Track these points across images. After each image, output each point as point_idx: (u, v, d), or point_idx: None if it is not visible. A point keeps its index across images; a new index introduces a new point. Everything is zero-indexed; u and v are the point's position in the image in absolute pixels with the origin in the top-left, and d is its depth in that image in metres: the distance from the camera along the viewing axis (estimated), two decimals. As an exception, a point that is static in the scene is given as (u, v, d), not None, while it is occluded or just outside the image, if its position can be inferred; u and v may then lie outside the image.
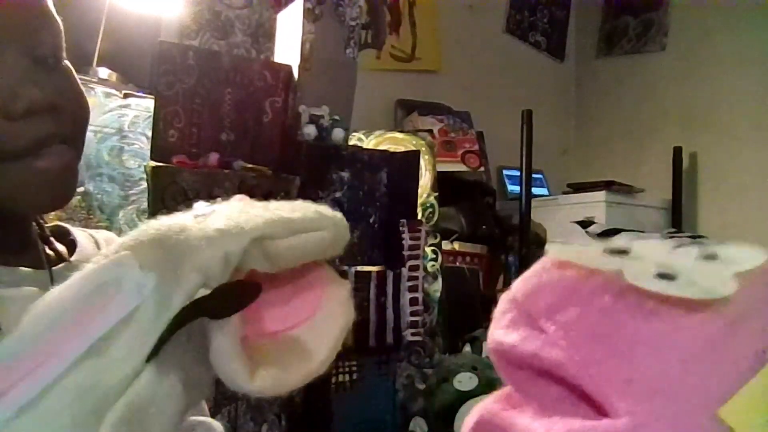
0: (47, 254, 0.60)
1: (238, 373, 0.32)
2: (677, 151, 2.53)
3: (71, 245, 0.63)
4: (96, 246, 0.65)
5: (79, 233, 0.65)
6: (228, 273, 0.34)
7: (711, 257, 0.29)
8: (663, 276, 0.28)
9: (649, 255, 0.30)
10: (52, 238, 0.62)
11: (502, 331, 0.32)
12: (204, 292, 0.33)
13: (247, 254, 0.34)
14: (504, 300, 0.33)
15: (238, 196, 0.42)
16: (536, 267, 0.32)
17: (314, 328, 0.37)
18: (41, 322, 0.32)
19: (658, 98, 2.82)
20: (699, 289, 0.27)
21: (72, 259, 0.61)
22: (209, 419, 0.58)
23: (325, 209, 0.39)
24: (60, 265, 0.59)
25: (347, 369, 1.39)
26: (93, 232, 0.67)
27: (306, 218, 0.37)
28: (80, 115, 0.56)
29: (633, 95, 2.93)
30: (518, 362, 0.32)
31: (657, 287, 0.27)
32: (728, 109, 2.57)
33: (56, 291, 0.33)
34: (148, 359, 0.31)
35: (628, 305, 0.28)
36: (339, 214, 0.39)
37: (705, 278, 0.28)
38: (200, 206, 0.40)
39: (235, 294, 0.34)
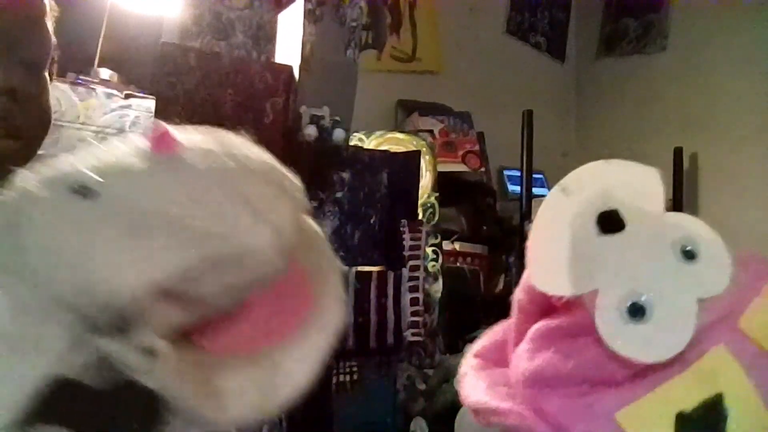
0: None
1: (200, 408, 0.27)
2: (678, 152, 2.53)
3: None
4: None
5: None
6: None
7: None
8: (634, 310, 0.30)
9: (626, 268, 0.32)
10: None
11: None
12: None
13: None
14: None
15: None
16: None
17: (300, 341, 0.32)
18: None
19: (659, 99, 2.82)
20: (636, 350, 0.30)
21: None
22: None
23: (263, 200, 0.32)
24: None
25: (348, 370, 1.39)
26: None
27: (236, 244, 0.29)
28: (39, 120, 0.57)
29: (633, 96, 2.93)
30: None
31: (614, 339, 0.30)
32: (729, 110, 2.57)
33: None
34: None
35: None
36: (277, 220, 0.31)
37: (662, 329, 0.31)
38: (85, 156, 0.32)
39: (133, 407, 0.26)
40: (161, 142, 0.31)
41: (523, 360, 0.34)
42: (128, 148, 0.32)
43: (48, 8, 0.57)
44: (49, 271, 0.27)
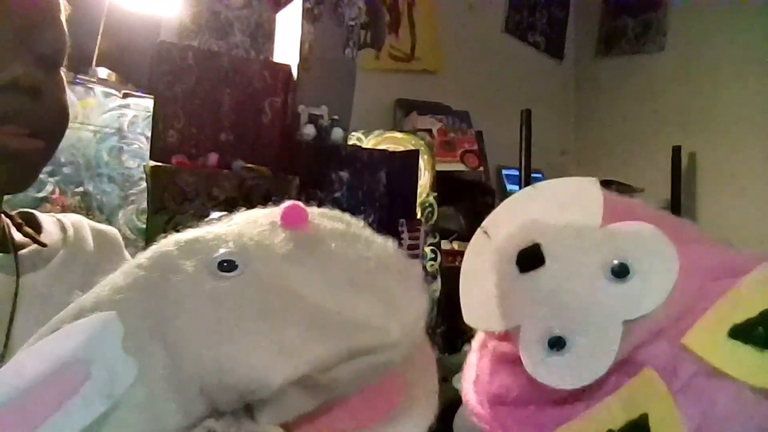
0: (14, 239, 0.60)
1: None
2: (676, 151, 2.53)
3: (37, 230, 0.64)
4: (62, 230, 0.66)
5: (44, 218, 0.66)
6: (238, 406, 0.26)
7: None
8: (554, 343, 0.32)
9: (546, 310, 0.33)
10: (22, 223, 0.62)
11: None
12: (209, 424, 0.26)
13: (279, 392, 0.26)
14: None
15: (265, 213, 0.33)
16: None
17: (392, 424, 0.31)
18: None
19: (657, 98, 2.82)
20: (556, 379, 0.32)
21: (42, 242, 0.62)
22: None
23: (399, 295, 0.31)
24: (29, 248, 0.61)
25: (346, 369, 1.39)
26: (61, 216, 0.68)
27: (371, 335, 0.29)
28: (59, 119, 0.57)
29: (632, 95, 2.93)
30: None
31: (538, 370, 0.32)
32: (727, 109, 2.58)
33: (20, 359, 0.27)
34: None
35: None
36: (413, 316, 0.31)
37: (579, 360, 0.32)
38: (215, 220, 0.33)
39: None
40: (292, 217, 0.31)
41: (485, 380, 0.37)
42: (264, 221, 0.31)
43: (62, 6, 0.57)
44: (189, 348, 0.26)
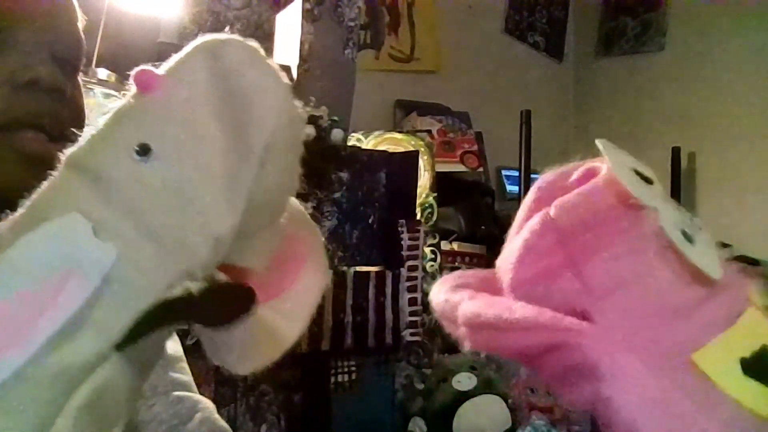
0: None
1: (233, 365, 0.31)
2: (676, 152, 2.53)
3: None
4: None
5: None
6: (215, 263, 0.29)
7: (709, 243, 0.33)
8: (685, 235, 0.32)
9: (672, 209, 0.34)
10: None
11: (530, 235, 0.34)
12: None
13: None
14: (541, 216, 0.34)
15: None
16: (588, 185, 0.34)
17: (289, 299, 0.34)
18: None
19: (657, 98, 2.82)
20: (706, 264, 0.31)
21: None
22: (195, 395, 0.58)
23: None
24: None
25: (346, 369, 1.39)
26: None
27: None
28: (78, 123, 0.56)
29: (631, 95, 2.93)
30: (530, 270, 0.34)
31: (681, 244, 0.31)
32: (727, 110, 2.58)
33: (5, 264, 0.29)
34: (119, 348, 0.28)
35: (653, 246, 0.32)
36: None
37: (709, 257, 0.32)
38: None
39: (228, 301, 0.29)
40: (141, 82, 0.31)
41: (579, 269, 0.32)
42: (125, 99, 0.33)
43: (79, 15, 0.57)
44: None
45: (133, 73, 0.31)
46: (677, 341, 0.30)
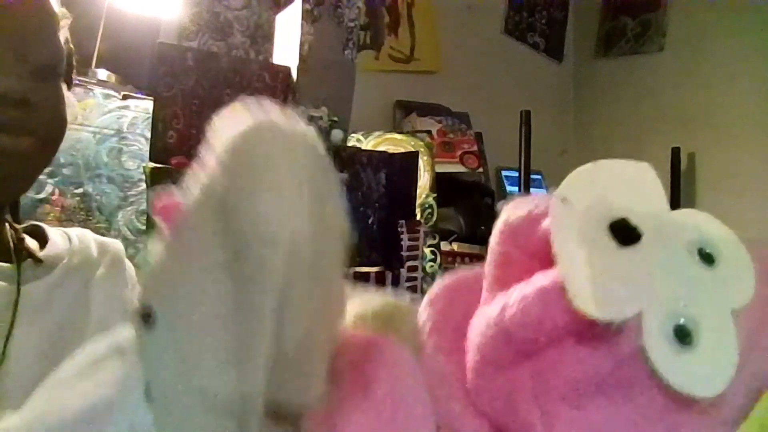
0: (17, 249, 0.61)
1: None
2: (675, 152, 2.53)
3: (43, 241, 0.65)
4: (68, 241, 0.67)
5: (52, 231, 0.67)
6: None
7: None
8: (681, 334, 0.25)
9: (667, 290, 0.26)
10: (24, 235, 0.63)
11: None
12: None
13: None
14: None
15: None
16: (543, 295, 0.28)
17: None
18: None
19: (657, 99, 2.82)
20: (702, 375, 0.25)
21: (41, 254, 0.63)
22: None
23: None
24: (28, 260, 0.62)
25: (346, 370, 1.39)
26: (67, 229, 0.70)
27: None
28: (52, 126, 0.57)
29: (631, 96, 2.93)
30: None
31: (663, 365, 0.25)
32: (726, 110, 2.58)
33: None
34: None
35: (630, 370, 0.26)
36: None
37: (712, 357, 0.26)
38: None
39: None
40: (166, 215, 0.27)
41: (546, 366, 0.27)
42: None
43: (60, 16, 0.57)
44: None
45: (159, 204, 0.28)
46: None
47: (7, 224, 0.63)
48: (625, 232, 0.27)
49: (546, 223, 0.29)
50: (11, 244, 0.61)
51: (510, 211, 0.31)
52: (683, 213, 0.30)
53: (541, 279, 0.27)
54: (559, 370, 0.27)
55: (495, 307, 0.29)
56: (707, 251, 0.27)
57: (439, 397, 0.29)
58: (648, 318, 0.25)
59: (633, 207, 0.28)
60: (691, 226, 0.29)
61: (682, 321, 0.26)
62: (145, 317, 0.26)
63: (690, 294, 0.26)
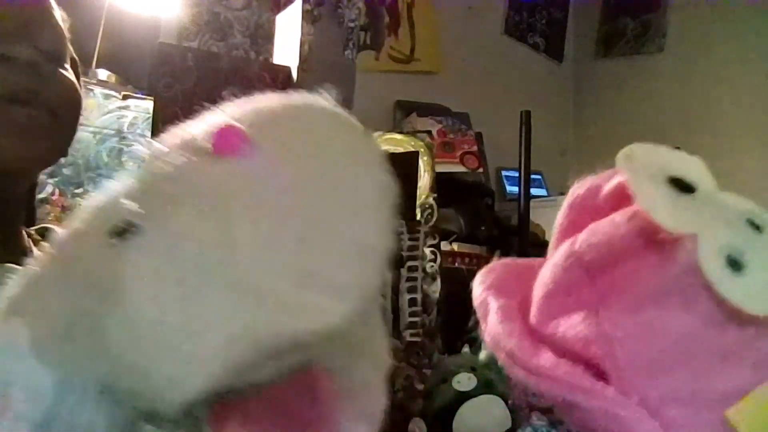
0: (26, 249, 0.61)
1: None
2: (676, 152, 2.53)
3: None
4: None
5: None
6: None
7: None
8: (733, 263, 0.27)
9: (721, 225, 0.29)
10: (38, 238, 0.63)
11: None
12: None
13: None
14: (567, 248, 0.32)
15: None
16: (615, 218, 0.30)
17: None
18: None
19: (657, 99, 2.82)
20: (752, 296, 0.27)
21: None
22: None
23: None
24: None
25: (346, 370, 1.39)
26: None
27: None
28: (66, 99, 0.57)
29: (631, 96, 2.93)
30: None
31: (718, 280, 0.27)
32: (727, 111, 2.58)
33: None
34: None
35: (687, 283, 0.28)
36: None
37: (761, 283, 0.28)
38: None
39: None
40: (224, 141, 0.24)
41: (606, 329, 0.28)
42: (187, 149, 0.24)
43: (58, 12, 0.58)
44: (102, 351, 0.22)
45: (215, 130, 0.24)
46: (722, 390, 0.27)
47: (23, 228, 0.63)
48: (682, 185, 0.30)
49: (609, 185, 0.32)
50: (28, 247, 0.61)
51: (575, 189, 0.35)
52: (731, 194, 0.33)
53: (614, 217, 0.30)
54: (623, 285, 0.29)
55: (564, 246, 0.31)
56: (756, 222, 0.30)
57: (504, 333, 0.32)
58: (704, 243, 0.28)
59: (687, 175, 0.32)
60: (741, 201, 0.32)
61: (735, 250, 0.28)
62: None
63: (741, 240, 0.28)
